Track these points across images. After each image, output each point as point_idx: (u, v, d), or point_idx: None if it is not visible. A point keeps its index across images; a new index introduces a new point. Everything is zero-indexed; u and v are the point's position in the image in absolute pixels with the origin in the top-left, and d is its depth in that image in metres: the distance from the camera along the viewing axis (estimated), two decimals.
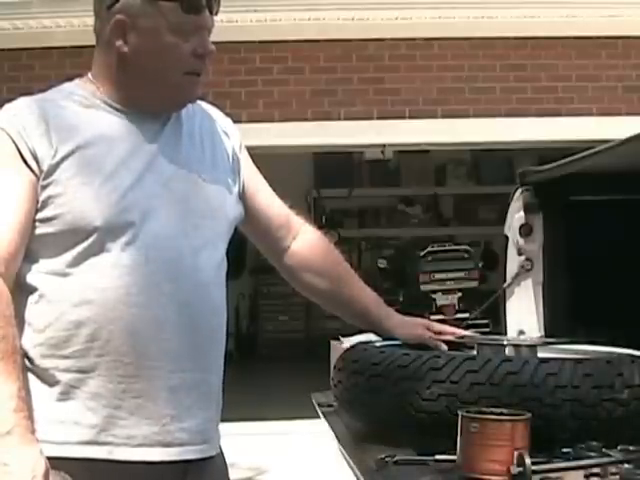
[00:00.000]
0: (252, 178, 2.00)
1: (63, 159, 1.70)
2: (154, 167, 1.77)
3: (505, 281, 3.05)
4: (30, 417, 1.61)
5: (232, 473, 1.93)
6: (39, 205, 1.70)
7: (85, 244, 1.69)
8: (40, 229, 1.71)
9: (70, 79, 1.85)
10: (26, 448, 1.56)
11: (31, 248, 1.71)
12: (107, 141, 1.75)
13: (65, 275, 1.70)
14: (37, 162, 1.70)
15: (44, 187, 1.70)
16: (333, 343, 3.96)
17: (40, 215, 1.71)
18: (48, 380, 1.69)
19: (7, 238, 1.67)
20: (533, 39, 6.67)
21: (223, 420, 1.88)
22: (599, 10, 6.43)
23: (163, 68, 1.75)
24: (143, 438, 1.71)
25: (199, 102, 1.96)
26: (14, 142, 1.70)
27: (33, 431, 1.60)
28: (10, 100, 1.79)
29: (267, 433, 6.08)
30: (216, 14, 1.82)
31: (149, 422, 1.71)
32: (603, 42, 6.70)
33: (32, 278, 1.71)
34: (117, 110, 1.79)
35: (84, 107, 1.78)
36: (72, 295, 1.69)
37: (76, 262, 1.70)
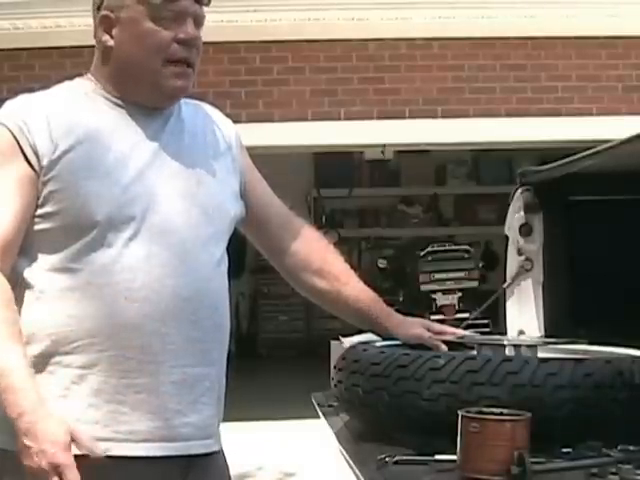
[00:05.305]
0: (252, 178, 2.01)
1: (64, 154, 1.71)
2: (156, 162, 1.78)
3: (505, 281, 3.05)
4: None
5: (232, 473, 1.93)
6: (40, 201, 1.71)
7: (87, 239, 1.70)
8: (41, 225, 1.72)
9: (70, 79, 1.87)
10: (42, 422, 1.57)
11: (31, 245, 1.72)
12: (108, 136, 1.76)
13: (66, 271, 1.70)
14: (38, 158, 1.71)
15: (45, 183, 1.71)
16: (333, 343, 3.97)
17: (41, 211, 1.72)
18: (49, 377, 1.69)
19: (3, 231, 1.68)
20: (533, 39, 6.67)
21: (223, 420, 1.88)
22: (599, 10, 6.43)
23: (143, 57, 1.77)
24: (146, 433, 1.71)
25: (200, 103, 1.97)
26: (15, 137, 1.71)
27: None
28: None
29: (267, 433, 6.08)
30: (207, 4, 1.82)
31: (152, 417, 1.71)
32: (603, 42, 6.70)
33: (32, 275, 1.72)
34: (118, 105, 1.80)
35: (84, 102, 1.80)
36: (73, 291, 1.69)
37: (77, 257, 1.70)
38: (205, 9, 1.84)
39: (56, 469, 1.54)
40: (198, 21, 1.80)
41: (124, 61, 1.79)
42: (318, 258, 2.07)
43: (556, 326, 2.81)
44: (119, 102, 1.81)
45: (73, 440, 1.58)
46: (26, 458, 1.56)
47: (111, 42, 1.78)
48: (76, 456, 1.66)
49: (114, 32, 1.78)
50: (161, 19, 1.75)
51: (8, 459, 1.67)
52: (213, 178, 1.86)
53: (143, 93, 1.80)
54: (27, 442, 1.56)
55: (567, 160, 2.64)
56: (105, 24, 1.78)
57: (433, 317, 5.95)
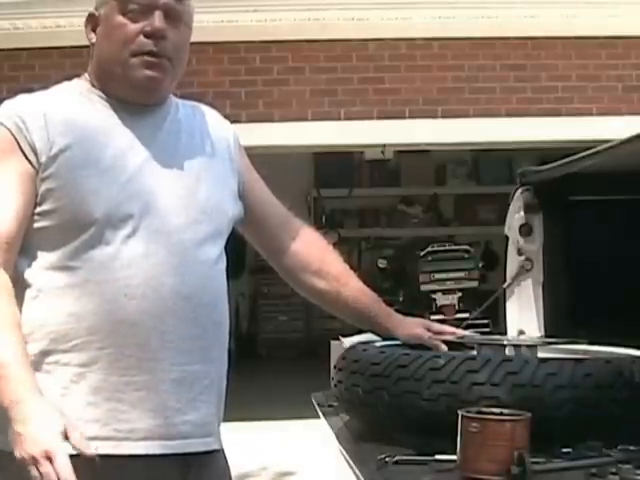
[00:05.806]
0: (250, 179, 2.01)
1: (60, 152, 1.72)
2: (154, 161, 1.78)
3: (505, 281, 3.05)
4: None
5: (232, 472, 1.93)
6: (39, 199, 1.72)
7: (85, 237, 1.70)
8: (39, 223, 1.72)
9: (70, 79, 1.88)
10: (37, 412, 1.55)
11: (30, 243, 1.72)
12: (105, 134, 1.77)
13: (64, 269, 1.70)
14: (36, 155, 1.72)
15: (43, 180, 1.72)
16: (333, 343, 3.97)
17: (39, 209, 1.72)
18: (48, 376, 1.69)
19: (5, 228, 1.68)
20: (533, 39, 6.67)
21: (223, 420, 1.88)
22: (599, 10, 6.42)
23: (112, 50, 1.79)
24: (146, 432, 1.71)
25: (198, 104, 1.98)
26: (13, 136, 1.72)
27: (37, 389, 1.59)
28: None
29: (267, 433, 6.08)
30: None
31: (152, 415, 1.71)
32: (603, 42, 6.70)
33: (31, 273, 1.72)
34: (114, 104, 1.81)
35: (82, 102, 1.81)
36: (72, 288, 1.70)
37: (76, 255, 1.70)
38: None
39: (47, 455, 1.53)
40: (172, 15, 1.79)
41: (100, 56, 1.82)
42: (317, 258, 2.07)
43: (556, 326, 2.81)
44: (111, 100, 1.82)
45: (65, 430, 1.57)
46: (17, 446, 1.55)
47: (94, 39, 1.83)
48: (73, 456, 1.67)
49: (97, 30, 1.82)
50: (129, 12, 1.77)
51: (3, 459, 1.67)
52: (211, 178, 1.86)
53: (121, 88, 1.81)
54: (20, 429, 1.55)
55: (567, 160, 2.64)
56: (92, 22, 1.82)
57: (433, 317, 5.95)
